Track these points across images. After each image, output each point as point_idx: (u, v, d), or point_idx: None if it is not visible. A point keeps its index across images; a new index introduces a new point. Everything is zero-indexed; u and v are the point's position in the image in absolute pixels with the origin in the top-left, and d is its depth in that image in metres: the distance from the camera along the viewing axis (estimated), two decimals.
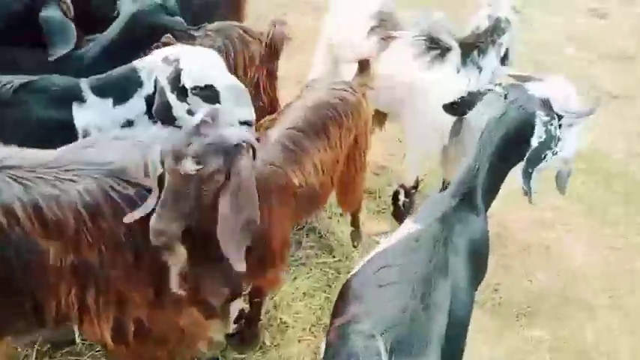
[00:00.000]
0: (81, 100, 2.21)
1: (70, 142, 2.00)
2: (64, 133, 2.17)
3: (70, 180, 1.75)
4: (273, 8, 4.98)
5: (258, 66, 2.96)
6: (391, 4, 3.22)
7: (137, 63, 2.29)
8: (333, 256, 3.18)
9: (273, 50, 2.96)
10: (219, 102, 2.20)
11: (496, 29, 2.92)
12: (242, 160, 1.74)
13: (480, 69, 2.96)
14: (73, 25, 2.49)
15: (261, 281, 2.50)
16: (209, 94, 2.19)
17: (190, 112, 2.20)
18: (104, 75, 2.29)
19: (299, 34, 3.93)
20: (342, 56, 3.17)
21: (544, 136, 1.96)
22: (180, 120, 2.24)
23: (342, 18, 3.29)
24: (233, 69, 2.89)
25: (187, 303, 2.20)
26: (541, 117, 1.94)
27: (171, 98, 2.19)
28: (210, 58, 2.30)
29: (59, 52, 2.41)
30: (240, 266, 1.79)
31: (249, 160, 1.77)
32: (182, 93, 2.19)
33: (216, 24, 2.88)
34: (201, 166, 1.68)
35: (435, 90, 2.86)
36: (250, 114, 2.26)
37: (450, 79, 2.91)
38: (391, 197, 3.48)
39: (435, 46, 3.00)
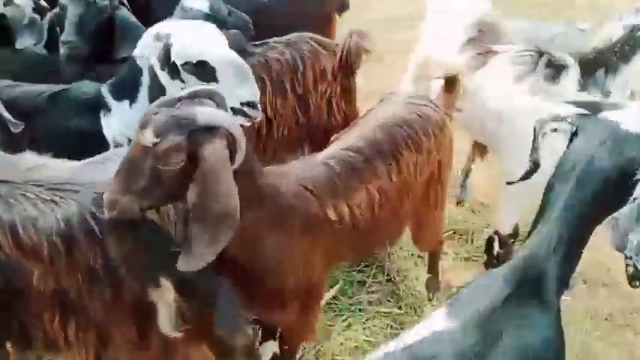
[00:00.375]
0: (106, 108, 2.10)
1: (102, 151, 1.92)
2: (95, 141, 2.08)
3: (52, 201, 1.62)
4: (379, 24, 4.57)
5: (331, 80, 2.68)
6: (495, 13, 2.69)
7: (135, 51, 2.07)
8: (400, 307, 2.67)
9: (348, 64, 2.64)
10: (216, 80, 1.90)
11: (629, 42, 2.26)
12: (211, 146, 1.50)
13: (606, 92, 2.34)
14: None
15: (279, 324, 2.15)
16: (203, 71, 1.90)
17: None
18: (116, 76, 2.16)
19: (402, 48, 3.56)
20: (430, 72, 2.72)
21: None
22: None
23: (435, 28, 2.84)
24: (301, 83, 2.64)
25: (194, 342, 1.98)
26: None
27: (163, 77, 1.94)
28: (204, 31, 1.99)
29: (125, 53, 2.31)
30: (195, 264, 1.52)
31: (222, 149, 1.52)
32: (173, 70, 1.92)
33: (287, 36, 2.68)
34: (158, 140, 1.47)
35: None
36: (253, 94, 1.92)
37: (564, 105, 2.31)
38: (485, 244, 2.90)
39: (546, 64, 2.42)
